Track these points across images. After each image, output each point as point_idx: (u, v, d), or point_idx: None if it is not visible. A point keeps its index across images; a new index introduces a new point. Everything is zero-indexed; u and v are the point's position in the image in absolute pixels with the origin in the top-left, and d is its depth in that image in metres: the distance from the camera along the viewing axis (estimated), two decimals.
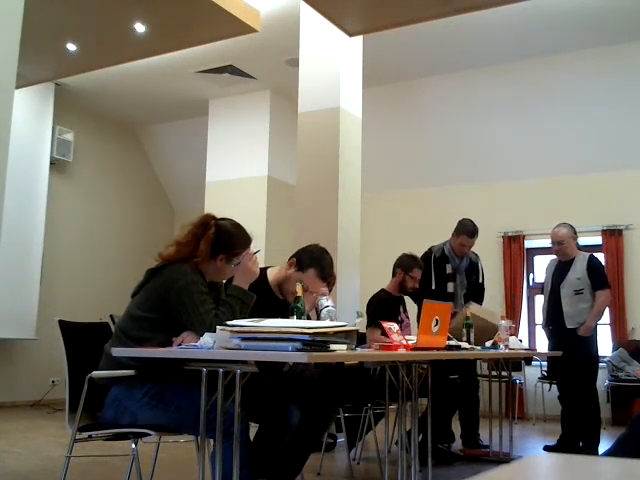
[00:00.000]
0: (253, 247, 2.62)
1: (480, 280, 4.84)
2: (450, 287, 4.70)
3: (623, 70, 6.58)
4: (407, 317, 4.33)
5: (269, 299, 2.87)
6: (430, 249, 4.82)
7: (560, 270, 4.69)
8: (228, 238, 2.53)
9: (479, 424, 4.71)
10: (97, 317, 3.46)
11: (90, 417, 2.41)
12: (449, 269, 4.72)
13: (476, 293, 4.80)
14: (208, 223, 2.53)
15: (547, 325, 4.78)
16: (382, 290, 4.36)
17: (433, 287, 4.65)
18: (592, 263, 4.59)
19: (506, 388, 5.35)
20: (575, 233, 4.71)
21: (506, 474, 0.67)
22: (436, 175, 7.88)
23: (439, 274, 4.71)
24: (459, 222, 4.75)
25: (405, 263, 4.26)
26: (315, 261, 2.87)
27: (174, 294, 2.35)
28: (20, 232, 7.00)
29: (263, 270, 2.96)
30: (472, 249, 4.80)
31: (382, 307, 4.11)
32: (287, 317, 2.43)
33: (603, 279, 4.61)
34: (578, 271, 4.58)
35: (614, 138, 6.87)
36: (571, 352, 4.45)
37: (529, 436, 5.87)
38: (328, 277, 2.92)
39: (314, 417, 2.70)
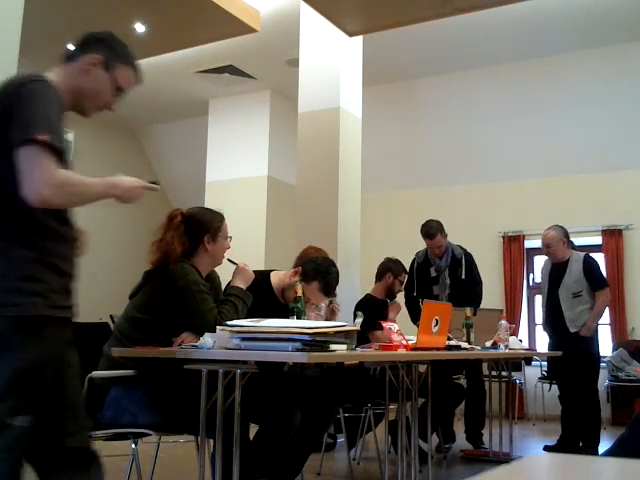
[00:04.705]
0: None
1: (463, 276, 4.66)
2: (435, 290, 4.69)
3: (623, 70, 6.58)
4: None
5: (271, 302, 2.88)
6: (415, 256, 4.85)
7: (556, 272, 4.64)
8: (200, 218, 2.54)
9: (484, 424, 4.68)
10: (97, 317, 3.46)
11: (90, 417, 2.41)
12: (433, 272, 4.73)
13: (463, 291, 4.62)
14: (174, 216, 2.51)
15: (547, 325, 4.77)
16: (368, 295, 4.45)
17: (414, 294, 4.68)
18: (587, 264, 4.54)
19: (506, 388, 5.35)
20: (566, 235, 4.61)
21: (506, 474, 0.67)
22: (436, 175, 7.88)
23: (422, 279, 4.73)
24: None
25: (393, 268, 4.38)
26: (320, 274, 2.88)
27: (175, 294, 2.35)
28: None
29: (267, 273, 2.97)
30: (465, 246, 4.81)
31: (372, 310, 4.12)
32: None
33: (601, 279, 4.59)
34: (574, 273, 4.53)
35: (614, 138, 6.87)
36: (572, 352, 4.43)
37: (529, 436, 5.86)
38: (331, 292, 2.93)
39: (314, 417, 2.71)
